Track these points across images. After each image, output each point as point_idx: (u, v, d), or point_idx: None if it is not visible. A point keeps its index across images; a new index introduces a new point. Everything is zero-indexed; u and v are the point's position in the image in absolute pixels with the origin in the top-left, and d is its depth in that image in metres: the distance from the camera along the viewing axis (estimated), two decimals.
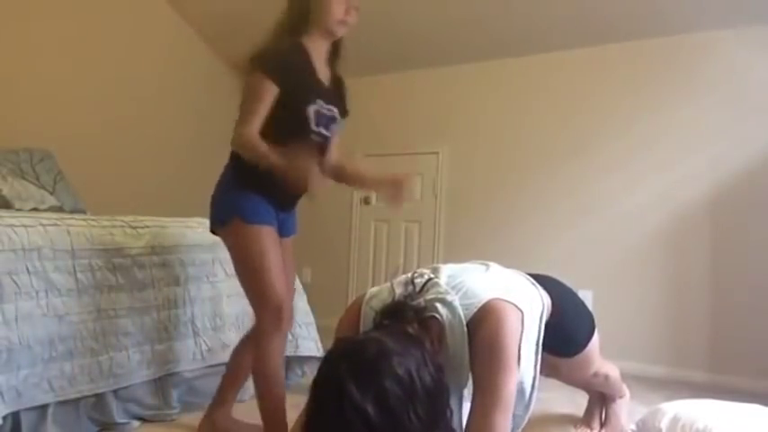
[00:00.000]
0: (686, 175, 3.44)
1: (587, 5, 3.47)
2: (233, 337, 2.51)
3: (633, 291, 3.56)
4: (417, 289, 1.39)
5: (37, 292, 1.93)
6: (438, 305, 1.33)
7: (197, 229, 2.51)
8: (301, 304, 2.81)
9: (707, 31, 3.40)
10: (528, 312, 1.43)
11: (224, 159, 1.94)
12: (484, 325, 1.32)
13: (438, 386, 1.16)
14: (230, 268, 2.55)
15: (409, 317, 1.29)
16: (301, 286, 2.86)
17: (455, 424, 1.27)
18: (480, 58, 4.12)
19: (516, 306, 1.39)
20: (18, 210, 2.90)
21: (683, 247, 3.44)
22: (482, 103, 4.16)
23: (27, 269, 1.91)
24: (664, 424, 1.74)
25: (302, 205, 1.98)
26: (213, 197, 1.93)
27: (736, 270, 3.29)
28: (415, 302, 1.34)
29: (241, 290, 2.59)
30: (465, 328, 1.32)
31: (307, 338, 2.75)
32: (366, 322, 1.40)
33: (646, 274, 3.53)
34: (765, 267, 3.21)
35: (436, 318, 1.32)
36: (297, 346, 2.72)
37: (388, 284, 1.46)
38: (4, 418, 1.80)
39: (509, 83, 4.07)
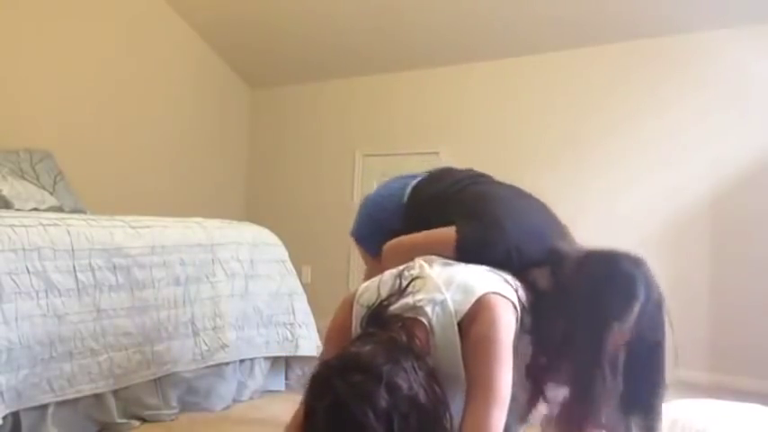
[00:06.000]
0: (686, 175, 3.43)
1: (586, 5, 3.47)
2: (232, 338, 2.52)
3: None
4: (404, 285, 1.36)
5: (37, 292, 1.93)
6: (427, 308, 1.31)
7: (197, 230, 2.51)
8: (301, 304, 2.81)
9: (707, 31, 3.39)
10: (519, 309, 1.41)
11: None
12: (478, 320, 1.29)
13: (432, 397, 1.15)
14: (230, 268, 2.57)
15: (395, 327, 1.27)
16: (301, 286, 2.87)
17: (455, 429, 1.23)
18: (480, 58, 4.11)
19: (510, 301, 1.37)
20: (18, 210, 2.90)
21: (684, 246, 3.43)
22: (482, 103, 4.15)
23: (27, 269, 1.91)
24: (663, 424, 1.74)
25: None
26: None
27: (737, 270, 3.28)
28: (400, 303, 1.32)
29: (241, 290, 2.60)
30: (456, 328, 1.29)
31: (307, 338, 2.76)
32: (357, 320, 1.38)
33: None
34: (766, 267, 3.21)
35: (422, 322, 1.30)
36: (297, 346, 2.72)
37: (377, 279, 1.43)
38: (4, 418, 1.80)
39: (509, 83, 4.07)
